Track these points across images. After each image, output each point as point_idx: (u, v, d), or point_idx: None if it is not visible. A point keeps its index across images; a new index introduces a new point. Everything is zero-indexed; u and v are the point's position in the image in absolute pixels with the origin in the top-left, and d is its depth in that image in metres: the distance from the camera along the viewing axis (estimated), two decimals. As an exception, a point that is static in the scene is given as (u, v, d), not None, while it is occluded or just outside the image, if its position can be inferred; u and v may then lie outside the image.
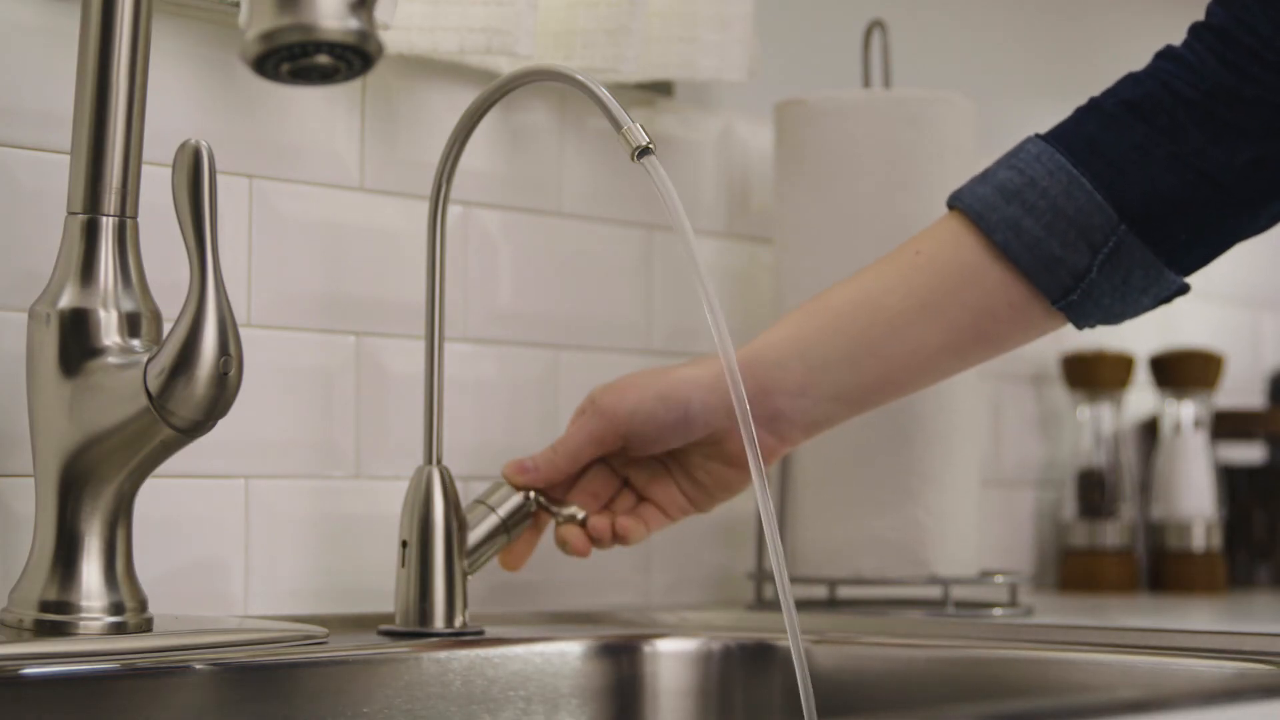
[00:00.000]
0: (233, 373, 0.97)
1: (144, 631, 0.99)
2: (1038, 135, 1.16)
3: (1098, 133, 1.14)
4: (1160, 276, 1.15)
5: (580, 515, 1.19)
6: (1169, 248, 1.14)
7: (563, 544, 1.20)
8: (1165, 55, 1.16)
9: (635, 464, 1.21)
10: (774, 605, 1.36)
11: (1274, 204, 1.15)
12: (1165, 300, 1.17)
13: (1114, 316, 1.17)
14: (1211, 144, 1.12)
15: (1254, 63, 1.12)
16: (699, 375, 1.17)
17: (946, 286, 1.15)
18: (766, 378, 1.16)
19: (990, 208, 1.15)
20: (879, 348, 1.16)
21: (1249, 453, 1.88)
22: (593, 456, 1.19)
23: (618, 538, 1.20)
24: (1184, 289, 1.16)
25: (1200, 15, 1.17)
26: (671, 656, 1.18)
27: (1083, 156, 1.14)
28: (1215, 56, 1.13)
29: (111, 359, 0.98)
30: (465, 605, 1.14)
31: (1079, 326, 1.18)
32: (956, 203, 1.17)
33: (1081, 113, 1.16)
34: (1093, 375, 1.72)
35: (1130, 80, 1.16)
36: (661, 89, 1.45)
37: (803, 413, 1.18)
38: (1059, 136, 1.16)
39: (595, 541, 1.20)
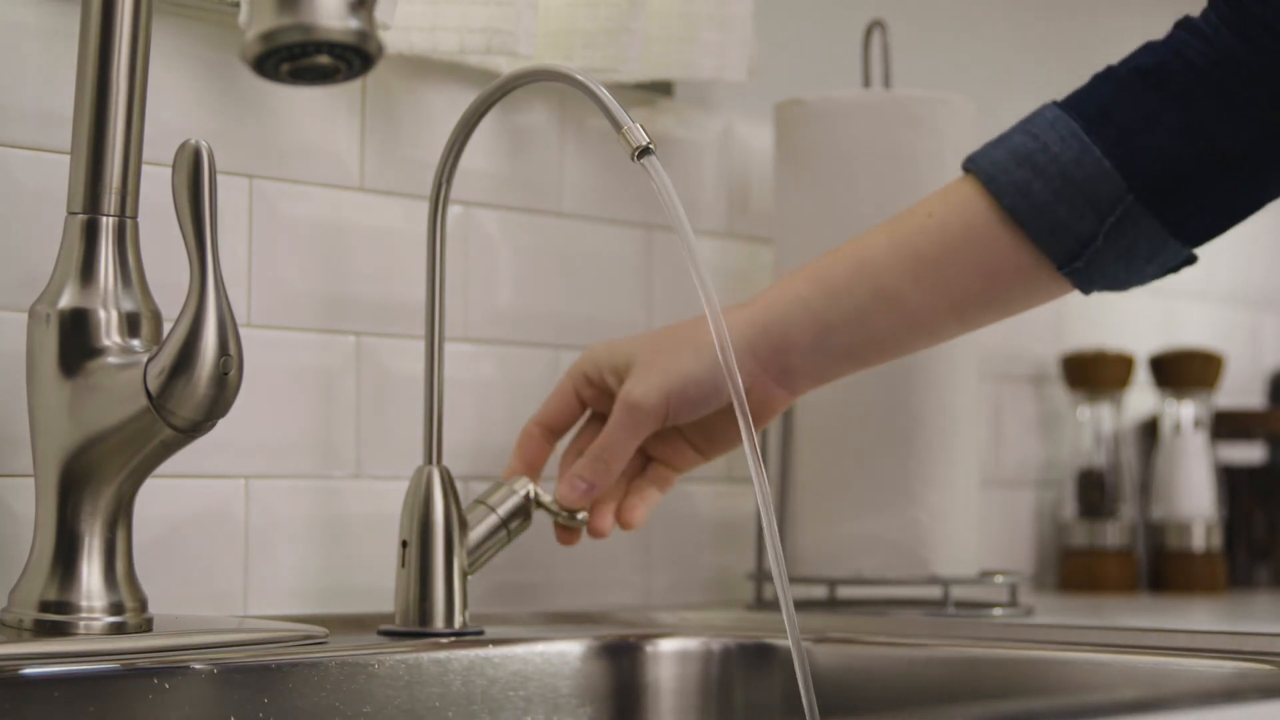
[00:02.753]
0: (233, 373, 0.97)
1: (144, 631, 0.99)
2: (1054, 102, 1.17)
3: (1111, 100, 1.14)
4: (1165, 246, 1.15)
5: (582, 516, 1.20)
6: (1176, 218, 1.14)
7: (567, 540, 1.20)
8: (1183, 24, 1.15)
9: None
10: (774, 605, 1.36)
11: None
12: (1172, 270, 1.17)
13: (1120, 284, 1.17)
14: (1221, 114, 1.12)
15: (1264, 33, 1.12)
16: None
17: (955, 249, 1.16)
18: (782, 336, 1.17)
19: (1001, 170, 1.15)
20: (889, 309, 1.17)
21: (1249, 453, 1.88)
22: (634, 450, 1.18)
23: (623, 526, 1.21)
24: (1191, 259, 1.16)
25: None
26: (671, 656, 1.18)
27: (1095, 124, 1.14)
28: (1227, 26, 1.13)
29: (111, 359, 0.98)
30: (465, 605, 1.14)
31: (1085, 291, 1.18)
32: (970, 165, 1.17)
33: (1097, 80, 1.17)
34: (1093, 375, 1.72)
35: (1147, 48, 1.16)
36: (661, 89, 1.45)
37: (813, 366, 1.18)
38: (1073, 103, 1.16)
39: (598, 534, 1.20)
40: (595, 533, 1.20)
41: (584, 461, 1.18)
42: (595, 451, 1.18)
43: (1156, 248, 1.15)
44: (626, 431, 1.17)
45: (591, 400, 1.21)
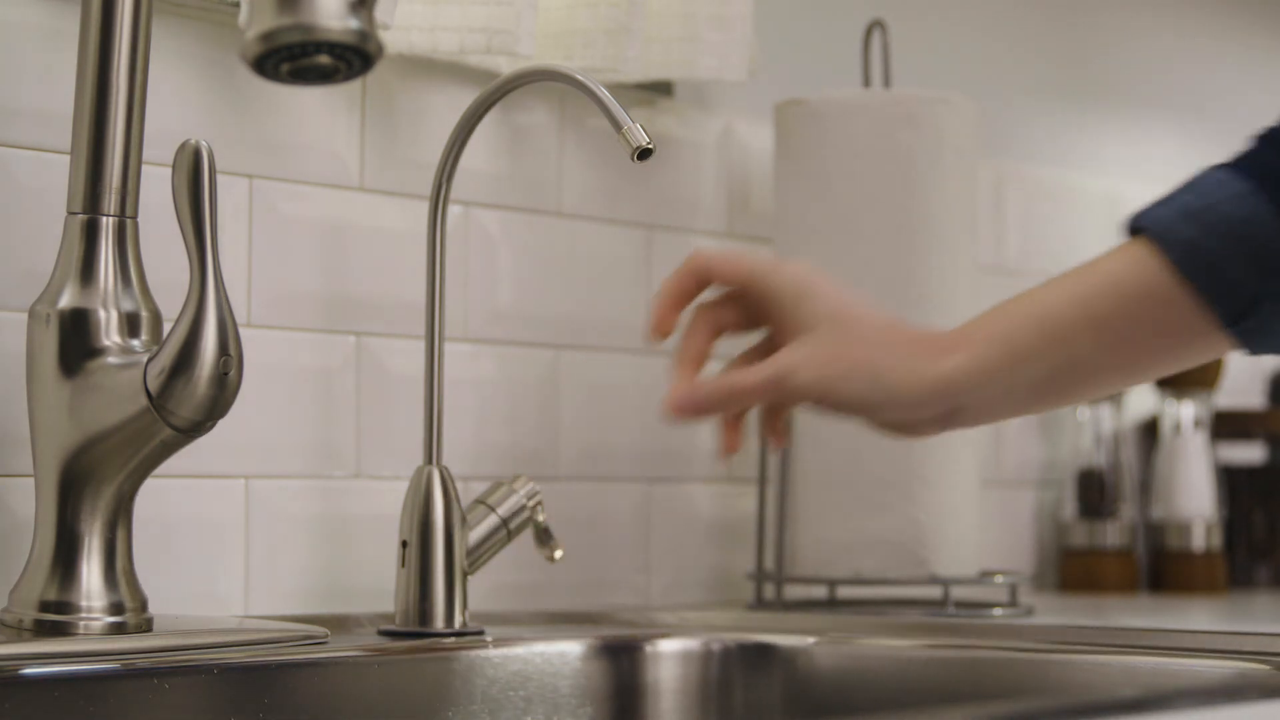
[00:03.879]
0: (233, 373, 0.97)
1: (144, 631, 0.99)
2: (1218, 165, 1.15)
3: (1276, 158, 1.13)
4: None
5: (559, 555, 1.20)
6: None
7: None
8: None
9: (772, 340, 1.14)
10: (774, 605, 1.36)
11: None
12: None
13: None
14: None
15: None
16: (959, 377, 1.12)
17: (1134, 311, 1.15)
18: (963, 398, 1.13)
19: (1169, 229, 1.14)
20: (1071, 372, 1.16)
21: (1249, 453, 1.88)
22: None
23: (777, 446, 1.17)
24: None
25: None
26: (671, 656, 1.18)
27: (1265, 183, 1.12)
28: None
29: (111, 359, 0.98)
30: (465, 605, 1.14)
31: (1253, 353, 1.16)
32: (1138, 223, 1.16)
33: (1262, 142, 1.15)
34: (1093, 375, 1.72)
35: None
36: (661, 89, 1.45)
37: (978, 420, 1.17)
38: (1240, 166, 1.15)
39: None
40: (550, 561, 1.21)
41: (718, 390, 1.10)
42: (734, 391, 1.10)
43: None
44: (768, 397, 1.11)
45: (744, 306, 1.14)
